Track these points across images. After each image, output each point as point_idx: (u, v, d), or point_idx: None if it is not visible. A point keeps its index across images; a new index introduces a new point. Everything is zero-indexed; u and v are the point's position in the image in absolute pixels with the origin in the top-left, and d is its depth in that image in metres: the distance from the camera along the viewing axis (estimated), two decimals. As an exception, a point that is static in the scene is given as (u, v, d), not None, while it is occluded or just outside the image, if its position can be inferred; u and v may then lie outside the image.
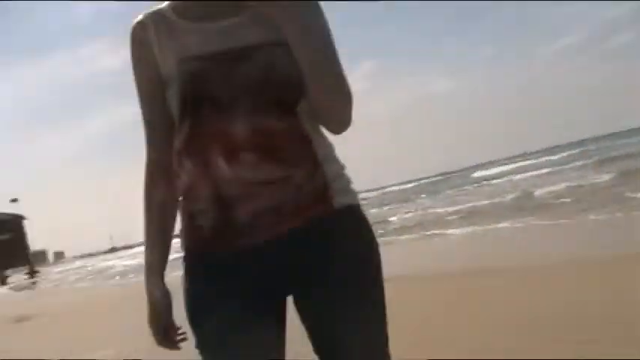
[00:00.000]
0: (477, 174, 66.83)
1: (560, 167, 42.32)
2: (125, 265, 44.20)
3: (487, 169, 73.28)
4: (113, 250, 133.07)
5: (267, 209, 1.83)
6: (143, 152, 2.02)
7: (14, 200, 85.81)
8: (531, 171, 45.17)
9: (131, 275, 30.96)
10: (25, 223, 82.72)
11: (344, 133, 1.93)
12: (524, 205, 21.04)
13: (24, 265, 77.35)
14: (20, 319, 15.85)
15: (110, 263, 59.61)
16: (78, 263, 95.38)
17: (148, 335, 2.06)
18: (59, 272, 70.46)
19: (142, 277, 2.05)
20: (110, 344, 8.90)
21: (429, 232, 19.95)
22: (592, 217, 14.71)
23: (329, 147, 1.96)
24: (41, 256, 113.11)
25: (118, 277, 33.42)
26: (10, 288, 52.06)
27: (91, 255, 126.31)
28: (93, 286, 31.60)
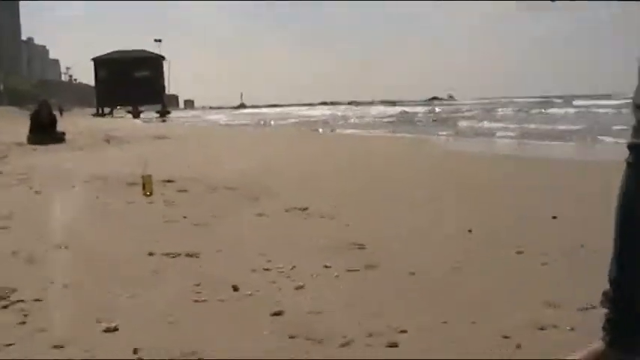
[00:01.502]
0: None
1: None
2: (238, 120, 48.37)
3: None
4: (241, 106, 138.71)
5: None
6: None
7: (158, 40, 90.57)
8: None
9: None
10: (165, 65, 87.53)
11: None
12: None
13: (158, 104, 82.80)
14: (160, 137, 19.32)
15: (223, 117, 63.89)
16: (204, 112, 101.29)
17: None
18: (188, 116, 75.85)
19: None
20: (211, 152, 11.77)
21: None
22: None
23: None
24: (173, 100, 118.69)
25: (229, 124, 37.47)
26: (144, 121, 57.04)
27: (219, 108, 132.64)
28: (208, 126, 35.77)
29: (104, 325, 2.50)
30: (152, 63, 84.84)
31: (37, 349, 2.27)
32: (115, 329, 2.47)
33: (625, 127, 18.43)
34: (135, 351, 2.24)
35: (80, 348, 2.27)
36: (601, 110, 31.69)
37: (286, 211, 5.44)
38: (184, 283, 3.16)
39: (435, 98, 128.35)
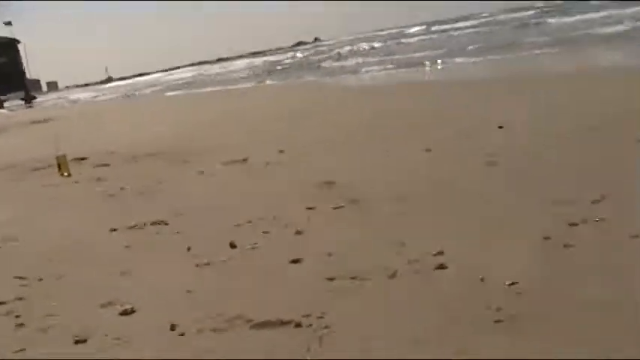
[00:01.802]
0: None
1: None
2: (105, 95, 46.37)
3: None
4: (109, 80, 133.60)
5: None
6: None
7: (8, 23, 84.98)
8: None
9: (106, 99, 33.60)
10: (20, 48, 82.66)
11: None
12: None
13: (20, 90, 78.22)
14: (35, 122, 18.16)
15: (87, 95, 61.18)
16: (70, 92, 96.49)
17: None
18: (53, 97, 72.10)
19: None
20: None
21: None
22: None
23: None
24: (36, 84, 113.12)
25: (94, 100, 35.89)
26: (10, 110, 53.75)
27: (86, 85, 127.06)
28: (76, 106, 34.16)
29: (119, 308, 2.21)
30: (7, 48, 79.80)
31: (59, 348, 1.97)
32: (133, 311, 2.19)
33: (479, 46, 19.10)
34: (172, 327, 1.98)
35: (107, 336, 1.99)
36: (457, 33, 32.54)
37: (224, 164, 5.16)
38: (172, 251, 2.88)
39: (300, 43, 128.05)
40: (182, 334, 1.93)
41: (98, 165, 6.28)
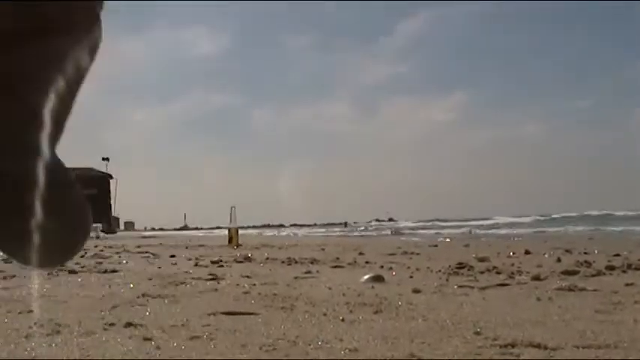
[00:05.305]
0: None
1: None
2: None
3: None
4: (184, 228, 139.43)
5: None
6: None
7: (106, 159, 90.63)
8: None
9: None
10: (112, 183, 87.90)
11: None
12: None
13: (103, 222, 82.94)
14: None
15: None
16: (141, 233, 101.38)
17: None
18: (130, 236, 76.78)
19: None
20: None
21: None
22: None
23: None
24: (115, 221, 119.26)
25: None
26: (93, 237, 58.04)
27: (162, 229, 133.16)
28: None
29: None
30: (100, 181, 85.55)
31: None
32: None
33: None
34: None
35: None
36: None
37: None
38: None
39: (376, 220, 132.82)
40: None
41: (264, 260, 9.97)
